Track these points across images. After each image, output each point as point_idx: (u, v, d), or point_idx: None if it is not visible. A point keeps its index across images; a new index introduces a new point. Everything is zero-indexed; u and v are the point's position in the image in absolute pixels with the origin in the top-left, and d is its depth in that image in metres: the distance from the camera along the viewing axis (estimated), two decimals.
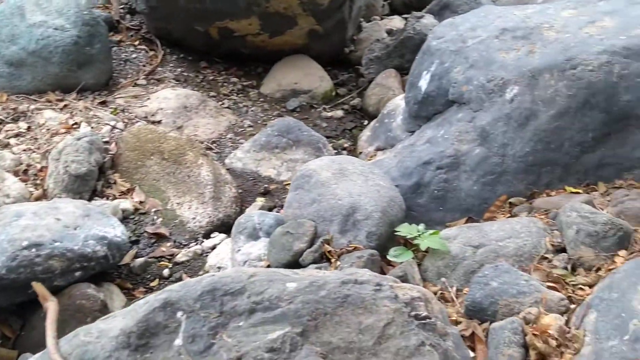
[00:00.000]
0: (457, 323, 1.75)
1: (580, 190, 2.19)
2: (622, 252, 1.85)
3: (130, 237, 2.49)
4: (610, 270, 1.80)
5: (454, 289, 1.90)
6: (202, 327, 1.27)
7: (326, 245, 1.98)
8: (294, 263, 1.96)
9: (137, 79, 3.72)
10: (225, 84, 3.89)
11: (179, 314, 1.30)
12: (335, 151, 3.31)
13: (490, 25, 2.62)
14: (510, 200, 2.25)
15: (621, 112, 2.15)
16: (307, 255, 1.95)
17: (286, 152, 3.03)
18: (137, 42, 4.10)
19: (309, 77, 3.91)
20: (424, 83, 2.69)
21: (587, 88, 2.16)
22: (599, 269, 1.83)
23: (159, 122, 3.28)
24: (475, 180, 2.29)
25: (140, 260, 2.42)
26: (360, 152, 3.24)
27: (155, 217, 2.64)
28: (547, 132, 2.19)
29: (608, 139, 2.19)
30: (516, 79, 2.30)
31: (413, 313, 1.38)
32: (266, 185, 2.87)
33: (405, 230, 2.04)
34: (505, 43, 2.47)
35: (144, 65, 3.89)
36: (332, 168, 2.21)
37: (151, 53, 4.04)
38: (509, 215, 2.21)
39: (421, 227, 2.06)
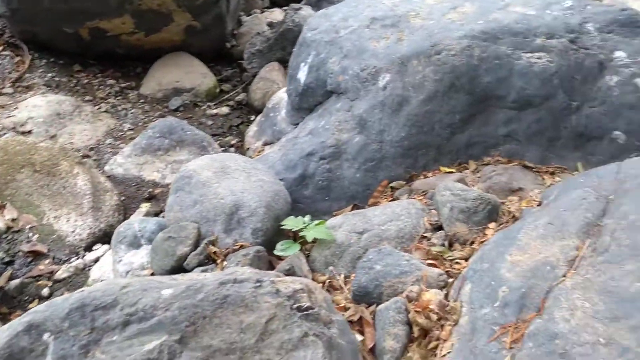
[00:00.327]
0: (346, 309, 1.79)
1: (453, 170, 2.31)
2: (492, 225, 1.97)
3: (2, 258, 2.32)
4: (482, 242, 1.92)
5: (342, 276, 1.94)
6: (72, 346, 1.20)
7: (211, 247, 1.95)
8: (179, 268, 1.91)
9: (3, 88, 3.45)
10: (101, 87, 3.70)
11: (46, 335, 1.22)
12: (223, 149, 3.26)
13: (360, 14, 2.68)
14: (391, 184, 2.32)
15: (483, 93, 2.29)
16: (192, 259, 1.91)
17: (170, 154, 2.94)
18: (0, 48, 3.80)
19: (190, 74, 3.81)
20: (302, 75, 2.72)
21: (452, 72, 2.27)
22: (472, 243, 1.94)
23: (30, 132, 3.07)
24: (357, 168, 2.34)
25: (16, 281, 2.26)
26: (248, 148, 3.21)
27: (30, 234, 2.46)
28: (418, 117, 2.29)
29: (474, 119, 2.32)
30: (387, 67, 2.37)
31: (295, 305, 1.39)
32: (150, 190, 2.77)
33: (291, 223, 2.05)
34: (376, 32, 2.54)
35: (9, 72, 3.61)
36: (213, 167, 2.17)
37: (17, 59, 3.76)
38: (391, 199, 2.29)
39: (307, 218, 2.07)
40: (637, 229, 1.54)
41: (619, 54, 2.31)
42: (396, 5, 2.70)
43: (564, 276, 1.56)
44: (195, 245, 1.95)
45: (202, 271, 1.83)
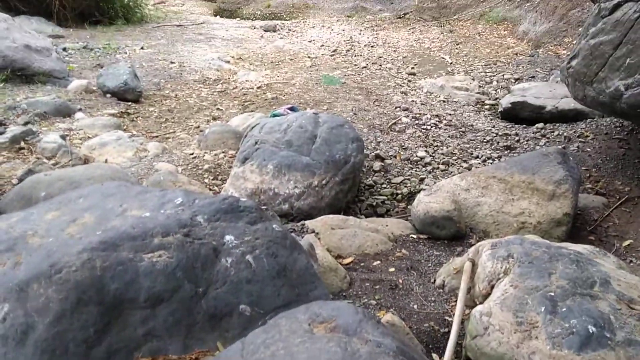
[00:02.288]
0: None
1: None
2: None
3: None
4: None
5: None
6: None
7: None
8: None
9: None
10: None
11: None
12: None
13: None
14: None
15: (114, 299, 2.33)
16: None
17: None
18: None
19: None
20: None
21: (76, 288, 2.27)
22: None
23: None
24: None
25: None
26: None
27: None
28: (48, 341, 2.18)
29: (111, 327, 2.32)
30: (5, 296, 2.23)
31: None
32: None
33: None
34: None
35: None
36: None
37: None
38: None
39: None
40: None
41: (229, 238, 2.67)
42: (12, 227, 2.62)
43: None
44: None
45: None
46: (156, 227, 2.58)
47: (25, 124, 6.17)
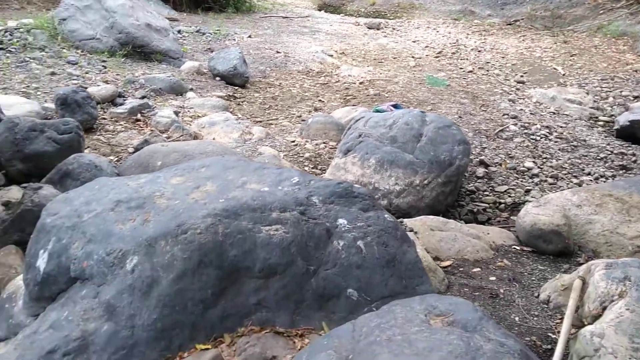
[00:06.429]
0: None
1: (209, 346, 2.30)
2: None
3: None
4: None
5: None
6: None
7: None
8: None
9: None
10: None
11: None
12: None
13: (104, 198, 2.67)
14: None
15: (231, 266, 2.41)
16: None
17: None
18: None
19: None
20: (42, 263, 2.53)
21: (199, 249, 2.36)
22: None
23: None
24: None
25: None
26: None
27: None
28: (170, 296, 2.28)
29: (226, 292, 2.40)
30: (134, 249, 2.36)
31: None
32: None
33: None
34: (121, 214, 2.55)
35: None
36: None
37: None
38: None
39: None
40: None
41: (341, 221, 2.68)
42: (141, 187, 2.76)
43: None
44: None
45: None
46: (275, 202, 2.63)
47: (142, 97, 6.52)
